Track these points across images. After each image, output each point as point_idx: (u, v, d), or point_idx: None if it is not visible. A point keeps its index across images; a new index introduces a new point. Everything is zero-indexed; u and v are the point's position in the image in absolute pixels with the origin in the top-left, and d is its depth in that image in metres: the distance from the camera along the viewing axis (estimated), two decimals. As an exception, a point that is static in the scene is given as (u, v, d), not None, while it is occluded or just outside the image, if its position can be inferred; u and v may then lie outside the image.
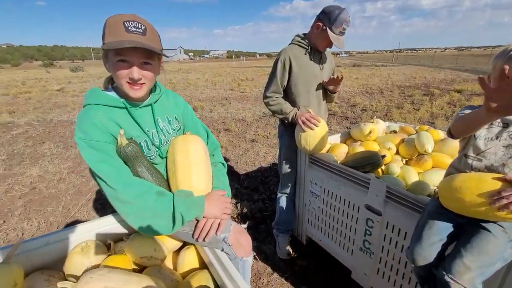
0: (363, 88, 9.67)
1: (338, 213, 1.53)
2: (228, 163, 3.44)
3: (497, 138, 0.84)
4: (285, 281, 1.64)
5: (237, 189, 2.76)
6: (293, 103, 1.61)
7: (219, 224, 0.90)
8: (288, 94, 1.63)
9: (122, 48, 0.74)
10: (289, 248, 1.85)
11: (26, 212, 2.47)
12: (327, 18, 1.44)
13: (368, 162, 1.45)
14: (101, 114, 0.82)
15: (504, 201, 0.71)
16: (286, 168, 1.76)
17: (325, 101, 1.74)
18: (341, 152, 1.76)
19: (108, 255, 0.88)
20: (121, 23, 0.76)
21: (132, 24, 0.77)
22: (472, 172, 0.88)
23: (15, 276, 0.69)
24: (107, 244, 0.92)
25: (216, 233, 0.89)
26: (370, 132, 1.79)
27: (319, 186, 1.62)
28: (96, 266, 0.82)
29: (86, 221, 0.96)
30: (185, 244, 1.02)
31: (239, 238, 0.94)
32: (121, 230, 0.96)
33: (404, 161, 1.69)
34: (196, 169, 0.93)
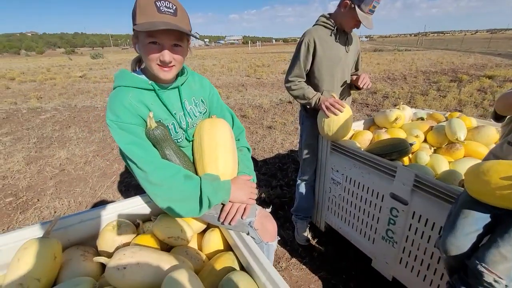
0: (385, 74, 9.25)
1: (361, 201, 1.50)
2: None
3: None
4: (303, 266, 1.66)
5: (256, 175, 2.77)
6: (316, 88, 1.56)
7: (245, 208, 0.90)
8: (310, 78, 1.58)
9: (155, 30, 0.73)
10: (307, 234, 1.85)
11: (57, 192, 2.62)
12: None
13: (395, 150, 1.39)
14: (131, 96, 0.82)
15: None
16: (306, 155, 1.73)
17: (349, 85, 1.67)
18: (365, 139, 1.70)
19: (137, 234, 0.91)
20: (153, 2, 0.74)
21: (163, 4, 0.75)
22: None
23: (54, 250, 0.73)
24: (136, 224, 0.96)
25: (242, 217, 0.89)
26: (396, 119, 1.71)
27: (340, 173, 1.59)
28: (127, 244, 0.86)
29: (111, 201, 0.99)
30: (209, 226, 1.04)
31: (265, 222, 0.94)
32: (148, 210, 0.99)
33: (432, 150, 1.61)
34: (222, 153, 0.92)
